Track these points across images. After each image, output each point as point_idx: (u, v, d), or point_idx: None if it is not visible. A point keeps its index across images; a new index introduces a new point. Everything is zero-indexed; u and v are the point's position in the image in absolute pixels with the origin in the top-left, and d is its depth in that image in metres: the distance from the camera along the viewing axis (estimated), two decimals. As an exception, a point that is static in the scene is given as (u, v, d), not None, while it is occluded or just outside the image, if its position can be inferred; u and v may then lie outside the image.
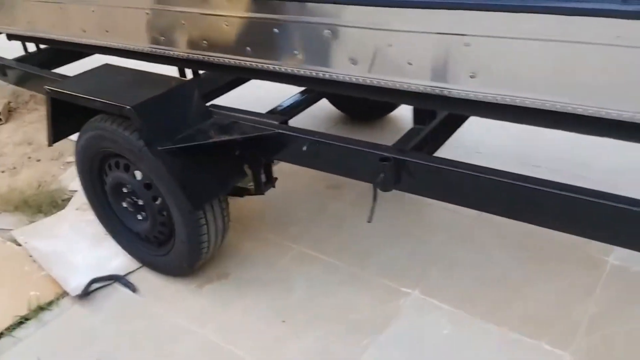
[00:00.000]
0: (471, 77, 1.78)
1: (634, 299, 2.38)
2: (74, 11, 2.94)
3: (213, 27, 2.34)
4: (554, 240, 2.35)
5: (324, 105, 3.88)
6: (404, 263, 2.70)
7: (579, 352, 2.17)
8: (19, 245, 3.07)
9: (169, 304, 2.63)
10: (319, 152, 2.18)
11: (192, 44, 2.48)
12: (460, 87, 1.82)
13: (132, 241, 2.81)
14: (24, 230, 3.16)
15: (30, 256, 2.97)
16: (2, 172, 3.85)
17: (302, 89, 2.96)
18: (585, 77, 1.57)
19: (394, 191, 2.10)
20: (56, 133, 2.78)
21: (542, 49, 1.59)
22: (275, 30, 2.14)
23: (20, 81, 3.68)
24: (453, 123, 2.47)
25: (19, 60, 3.73)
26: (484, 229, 2.82)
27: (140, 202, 2.60)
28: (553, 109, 1.69)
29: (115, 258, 2.88)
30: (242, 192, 2.63)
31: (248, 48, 2.29)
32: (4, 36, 3.79)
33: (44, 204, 3.38)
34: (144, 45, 2.69)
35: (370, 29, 1.91)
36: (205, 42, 2.42)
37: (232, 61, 2.37)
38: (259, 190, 2.55)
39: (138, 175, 2.52)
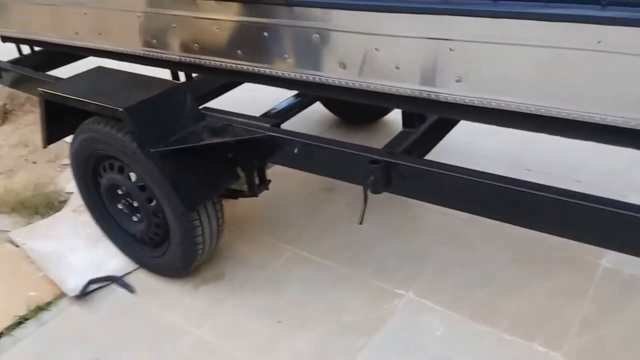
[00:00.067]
0: (457, 81, 1.80)
1: (626, 301, 2.40)
2: (66, 14, 2.95)
3: (204, 30, 2.36)
4: (547, 242, 2.37)
5: (318, 109, 3.90)
6: (398, 265, 2.72)
7: (571, 353, 2.19)
8: (17, 246, 3.10)
9: (165, 304, 2.66)
10: (310, 155, 2.21)
11: (184, 47, 2.49)
12: (447, 91, 1.85)
13: (128, 243, 2.84)
14: (21, 232, 3.20)
15: (29, 257, 3.01)
16: (-1, 174, 3.89)
17: (295, 92, 2.98)
18: (568, 82, 1.59)
19: (387, 194, 2.12)
20: (50, 135, 2.80)
21: (525, 54, 1.61)
22: (265, 34, 2.16)
23: (15, 83, 3.69)
24: (443, 127, 2.49)
25: (13, 62, 3.74)
26: (477, 231, 2.84)
27: (135, 204, 2.63)
28: (538, 113, 1.71)
29: (112, 259, 2.91)
30: (235, 194, 2.65)
31: (239, 51, 2.30)
32: (-2, 39, 3.81)
33: (41, 205, 3.41)
34: (136, 48, 2.71)
35: (358, 33, 1.93)
36: (196, 45, 2.44)
37: (224, 64, 2.39)
38: (253, 192, 2.57)
39: (132, 177, 2.55)
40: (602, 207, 1.72)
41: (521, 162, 3.31)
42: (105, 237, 2.94)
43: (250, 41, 2.24)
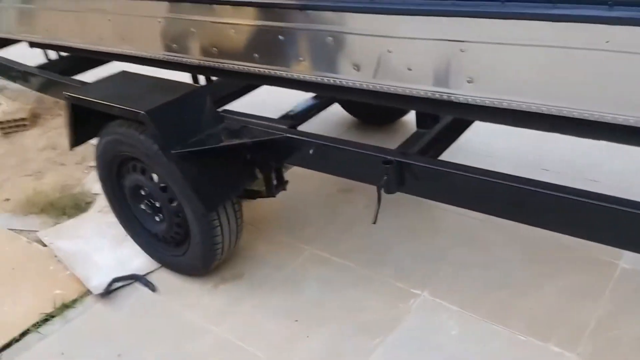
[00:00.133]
0: (468, 82, 1.82)
1: (643, 302, 2.39)
2: (91, 20, 3.05)
3: (222, 34, 2.42)
4: (563, 243, 2.37)
5: (337, 111, 3.94)
6: (415, 265, 2.74)
7: (585, 353, 2.19)
8: (45, 245, 3.21)
9: (186, 302, 2.72)
10: (325, 156, 2.25)
11: (203, 51, 2.55)
12: (459, 91, 1.86)
13: (151, 242, 2.91)
14: (49, 232, 3.30)
15: (55, 256, 3.11)
16: (28, 176, 4.01)
17: (313, 94, 3.02)
18: (577, 82, 1.60)
19: (405, 196, 2.14)
20: (76, 137, 2.89)
21: (533, 54, 1.62)
22: (281, 37, 2.21)
23: (42, 88, 3.81)
24: (457, 127, 2.50)
25: (40, 67, 3.87)
26: (494, 232, 2.84)
27: (157, 204, 2.70)
28: (549, 112, 1.72)
29: (135, 258, 2.99)
30: (254, 195, 2.71)
31: (256, 54, 2.35)
32: (26, 44, 3.94)
33: (68, 206, 3.51)
34: (158, 53, 2.78)
35: (370, 35, 1.96)
36: (215, 49, 2.49)
37: (242, 67, 2.44)
38: (270, 192, 2.62)
39: (155, 178, 2.62)
40: (618, 207, 1.71)
41: (538, 162, 3.30)
42: (129, 237, 3.01)
43: (267, 44, 2.29)
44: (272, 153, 2.46)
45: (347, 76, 2.12)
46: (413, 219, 3.05)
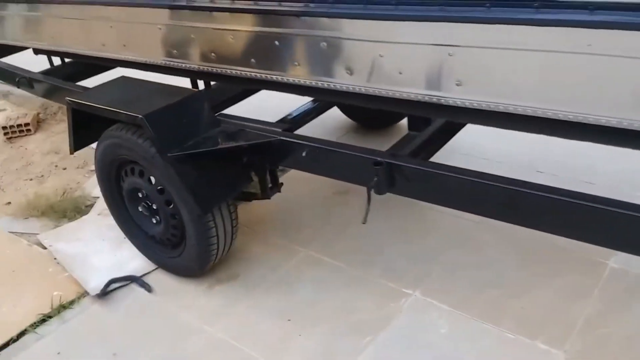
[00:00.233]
0: (457, 85, 1.87)
1: (631, 301, 2.42)
2: (94, 27, 3.12)
3: (220, 40, 2.48)
4: (555, 244, 2.40)
5: (336, 115, 4.00)
6: (406, 265, 2.78)
7: (572, 351, 2.22)
8: (44, 248, 3.25)
9: (182, 303, 2.76)
10: (317, 158, 2.30)
11: (202, 57, 2.61)
12: (448, 94, 1.91)
13: (148, 244, 2.96)
14: (49, 234, 3.35)
15: (55, 258, 3.15)
16: (30, 179, 4.07)
17: (311, 98, 3.07)
18: (561, 85, 1.65)
19: (399, 197, 2.19)
20: (77, 142, 2.95)
21: (518, 58, 1.67)
22: (276, 42, 2.26)
23: (46, 93, 3.88)
24: (449, 130, 2.55)
25: (44, 73, 3.94)
26: (486, 232, 2.88)
27: (154, 207, 2.75)
28: (535, 115, 1.76)
29: (132, 260, 3.03)
30: (249, 197, 2.75)
31: (253, 60, 2.41)
32: (31, 50, 4.01)
33: (69, 209, 3.56)
34: (158, 59, 2.84)
35: (362, 40, 2.02)
36: (213, 54, 2.55)
37: (239, 72, 2.50)
38: (265, 195, 2.67)
39: (152, 180, 2.67)
40: (608, 208, 1.75)
41: (533, 164, 3.34)
42: (127, 239, 3.06)
43: (263, 50, 2.35)
44: (266, 156, 2.51)
45: (341, 80, 2.17)
46: (407, 221, 3.09)
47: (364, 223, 2.17)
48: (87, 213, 3.55)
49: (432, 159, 2.39)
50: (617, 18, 1.48)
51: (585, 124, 1.68)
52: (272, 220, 3.26)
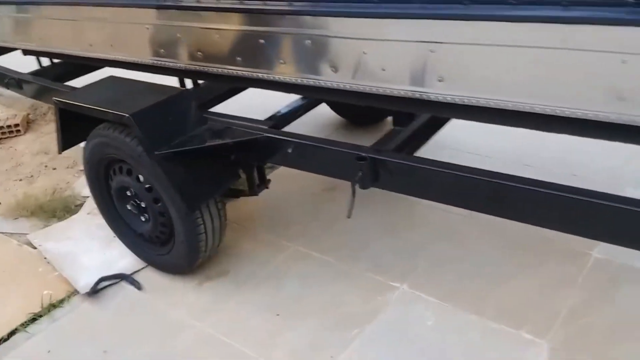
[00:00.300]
0: (439, 80, 1.90)
1: (614, 290, 2.47)
2: (81, 27, 3.13)
3: (206, 39, 2.50)
4: (539, 235, 2.44)
5: (326, 112, 4.03)
6: (394, 259, 2.82)
7: (556, 340, 2.26)
8: (34, 248, 3.26)
9: (171, 300, 2.78)
10: (302, 154, 2.33)
11: (189, 56, 2.63)
12: (431, 90, 1.95)
13: (137, 242, 2.97)
14: (38, 234, 3.36)
15: (45, 258, 3.16)
16: (20, 180, 4.08)
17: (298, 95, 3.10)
18: (537, 79, 1.68)
19: (386, 192, 2.23)
20: (65, 141, 2.96)
21: (496, 53, 1.71)
22: (261, 41, 2.29)
23: (35, 94, 3.89)
24: (434, 125, 2.58)
25: (34, 74, 3.95)
26: (474, 226, 2.92)
27: (143, 205, 2.77)
28: (515, 108, 1.80)
29: (122, 258, 3.05)
30: (237, 194, 2.78)
31: (238, 58, 2.43)
32: (19, 52, 4.02)
33: (58, 209, 3.57)
34: (146, 58, 2.86)
35: (345, 38, 2.04)
36: (200, 53, 2.58)
37: (226, 71, 2.52)
38: (253, 191, 2.70)
39: (141, 179, 2.69)
40: (586, 199, 1.80)
41: (522, 159, 3.38)
42: (116, 237, 3.08)
43: (248, 48, 2.37)
44: (253, 152, 2.53)
45: (326, 77, 2.20)
46: (394, 215, 3.13)
47: (348, 217, 2.20)
48: (76, 212, 3.56)
49: (421, 154, 2.41)
50: (590, 14, 1.51)
51: (561, 116, 1.72)
52: (261, 216, 3.29)
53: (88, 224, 3.39)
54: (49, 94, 3.64)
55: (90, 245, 3.19)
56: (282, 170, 3.50)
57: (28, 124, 4.95)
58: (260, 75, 2.41)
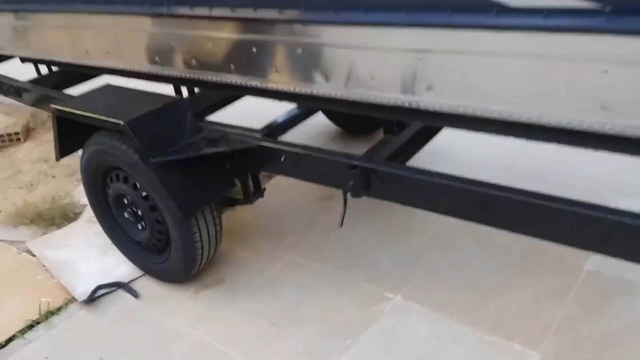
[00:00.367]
0: (427, 89, 1.91)
1: (606, 302, 2.45)
2: (77, 35, 3.15)
3: (200, 47, 2.52)
4: (533, 246, 2.41)
5: (323, 121, 4.05)
6: (389, 269, 2.81)
7: (548, 352, 2.25)
8: (33, 255, 3.29)
9: (168, 308, 2.79)
10: (295, 162, 2.34)
11: (184, 64, 2.65)
12: (420, 98, 1.94)
13: (134, 250, 2.99)
14: (37, 242, 3.39)
15: (43, 265, 3.19)
16: (20, 188, 4.11)
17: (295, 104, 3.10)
18: (521, 87, 1.68)
19: (382, 201, 2.23)
20: (63, 148, 2.98)
21: (480, 62, 1.71)
22: (253, 49, 2.30)
23: (33, 102, 3.91)
24: (427, 133, 2.58)
25: (32, 82, 3.97)
26: (468, 236, 2.91)
27: (140, 212, 2.78)
28: (501, 117, 1.80)
29: (119, 266, 3.06)
30: (233, 202, 2.79)
31: (232, 66, 2.45)
32: (17, 59, 4.05)
33: (57, 217, 3.60)
34: (141, 66, 2.88)
35: (334, 46, 2.05)
36: (194, 61, 2.59)
37: (220, 79, 2.54)
38: (248, 200, 2.71)
39: (138, 186, 2.70)
40: (575, 209, 1.79)
41: (513, 167, 3.37)
42: (114, 245, 3.09)
43: (241, 56, 2.39)
44: (248, 161, 2.54)
45: (318, 86, 2.20)
46: (392, 224, 3.13)
47: (340, 226, 2.21)
48: (75, 220, 3.58)
49: (415, 163, 2.42)
50: (569, 22, 1.51)
51: (546, 126, 1.72)
52: (258, 225, 3.29)
53: (86, 231, 3.41)
54: (48, 102, 3.63)
55: (89, 253, 3.21)
56: (279, 180, 3.52)
57: (28, 132, 4.99)
58: (253, 83, 2.42)
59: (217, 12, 2.34)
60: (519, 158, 3.46)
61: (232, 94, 3.02)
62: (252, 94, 2.64)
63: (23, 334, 2.72)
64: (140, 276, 3.00)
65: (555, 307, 2.44)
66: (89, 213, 3.51)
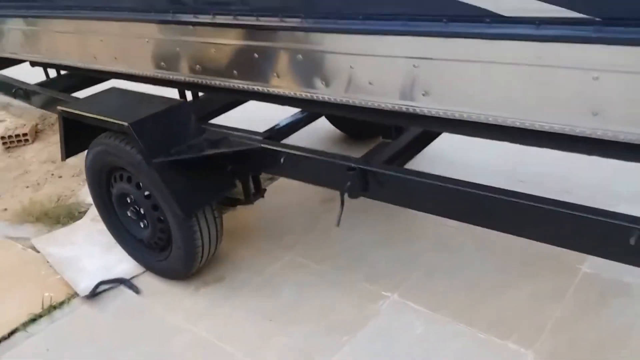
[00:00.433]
0: (423, 94, 1.98)
1: (602, 304, 2.50)
2: (86, 40, 3.24)
3: (203, 53, 2.59)
4: (531, 248, 2.47)
5: (327, 126, 4.13)
6: (386, 269, 2.88)
7: (542, 351, 2.30)
8: (38, 252, 3.36)
9: (168, 305, 2.86)
10: (294, 164, 2.41)
11: (188, 69, 2.73)
12: (416, 104, 2.01)
13: (136, 247, 3.06)
14: (42, 239, 3.46)
15: (47, 262, 3.26)
16: (27, 187, 4.19)
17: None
18: (514, 94, 1.75)
19: (382, 203, 2.29)
20: (69, 149, 3.07)
21: (474, 69, 1.78)
22: (255, 55, 2.38)
23: (43, 104, 4.00)
24: (425, 138, 2.65)
25: (41, 85, 4.06)
26: (467, 237, 2.97)
27: (142, 211, 2.85)
28: (495, 122, 1.87)
29: (122, 263, 3.13)
30: (233, 203, 2.86)
31: (235, 71, 2.52)
32: (28, 63, 4.15)
33: (62, 215, 3.68)
34: (147, 70, 2.96)
35: (334, 53, 2.13)
36: (198, 66, 2.67)
37: (223, 83, 2.61)
38: (248, 200, 2.77)
39: (140, 186, 2.77)
40: (565, 211, 1.85)
41: (515, 173, 3.43)
42: (117, 243, 3.16)
43: (244, 62, 2.46)
44: (248, 162, 2.61)
45: (318, 91, 2.27)
46: (391, 226, 3.19)
47: (337, 225, 2.27)
48: (80, 219, 3.65)
49: (416, 167, 2.47)
50: (560, 32, 1.58)
51: (540, 131, 1.79)
52: (259, 226, 3.36)
53: (90, 230, 3.49)
54: (56, 105, 3.72)
55: (92, 250, 3.29)
56: (281, 182, 3.59)
57: (36, 134, 5.09)
58: (256, 88, 2.49)
59: (220, 19, 2.42)
60: (519, 164, 3.53)
61: (235, 98, 3.10)
62: (254, 99, 2.73)
63: (25, 327, 2.79)
64: (141, 273, 3.07)
65: (552, 308, 2.50)
66: (93, 212, 3.58)
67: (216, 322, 2.70)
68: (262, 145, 2.51)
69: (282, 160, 2.42)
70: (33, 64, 4.08)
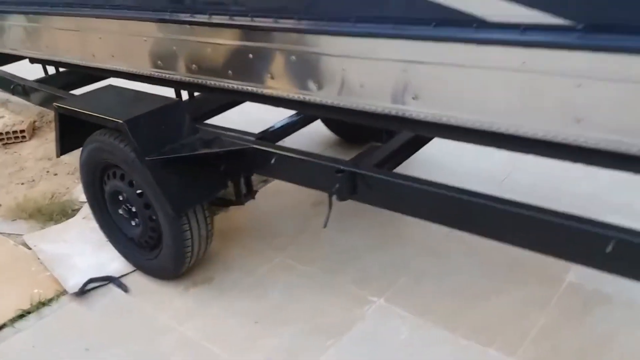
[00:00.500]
0: (413, 98, 1.99)
1: (585, 313, 2.51)
2: (84, 38, 3.27)
3: (200, 53, 2.61)
4: (519, 256, 2.47)
5: (321, 130, 4.14)
6: (375, 273, 2.88)
7: (524, 358, 2.30)
8: (29, 248, 3.36)
9: (157, 304, 2.86)
10: (285, 165, 2.42)
11: (184, 68, 2.75)
12: (406, 107, 2.02)
13: (127, 246, 3.06)
14: (34, 235, 3.46)
15: (38, 258, 3.26)
16: (22, 184, 4.20)
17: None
18: (499, 99, 1.77)
19: (371, 207, 2.31)
20: (64, 146, 3.08)
21: (461, 73, 1.80)
22: (250, 55, 2.40)
23: (41, 101, 4.03)
24: (416, 142, 2.66)
25: (39, 81, 4.08)
26: (454, 243, 2.98)
27: (134, 209, 2.86)
28: (481, 128, 1.88)
29: (112, 262, 3.13)
30: (225, 203, 2.87)
31: (230, 72, 2.54)
32: (26, 60, 4.17)
33: (55, 213, 3.68)
34: (144, 69, 2.98)
35: (326, 55, 2.14)
36: (195, 66, 2.69)
37: (218, 83, 2.63)
38: (239, 201, 2.78)
39: (133, 184, 2.78)
40: (548, 218, 1.87)
41: (508, 181, 3.46)
42: (108, 241, 3.17)
43: (239, 62, 2.48)
44: (240, 162, 2.63)
45: (311, 92, 2.28)
46: (381, 230, 3.20)
47: (324, 227, 2.28)
48: (73, 217, 3.66)
49: (407, 173, 2.48)
50: (544, 38, 1.60)
51: (524, 137, 1.80)
52: (251, 228, 3.37)
53: (83, 227, 3.49)
54: (52, 101, 3.76)
55: (83, 248, 3.29)
56: (273, 185, 3.61)
57: (34, 131, 5.10)
58: (250, 88, 2.51)
59: (217, 19, 2.44)
60: (512, 171, 3.55)
61: (229, 98, 3.11)
62: (249, 99, 2.74)
63: (13, 323, 2.79)
64: (131, 272, 3.07)
65: (535, 316, 2.50)
66: (86, 210, 3.59)
67: (204, 323, 2.70)
68: (254, 145, 2.53)
69: (273, 161, 2.43)
70: (32, 60, 4.10)
